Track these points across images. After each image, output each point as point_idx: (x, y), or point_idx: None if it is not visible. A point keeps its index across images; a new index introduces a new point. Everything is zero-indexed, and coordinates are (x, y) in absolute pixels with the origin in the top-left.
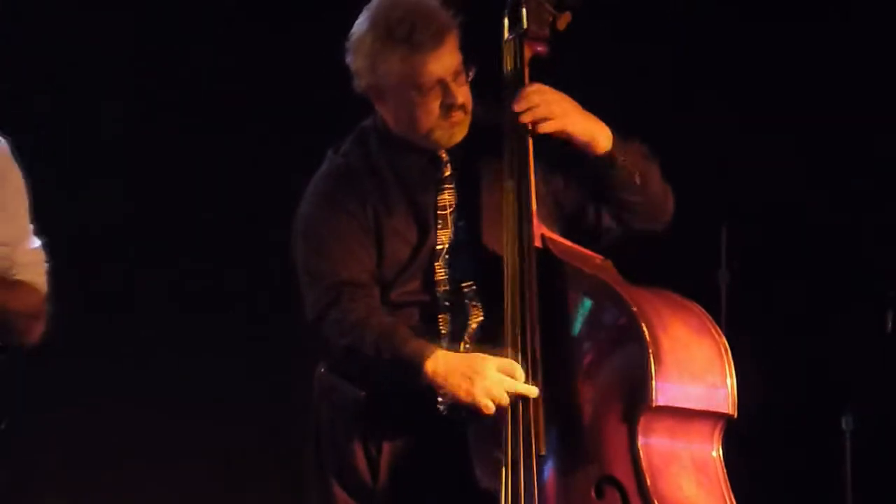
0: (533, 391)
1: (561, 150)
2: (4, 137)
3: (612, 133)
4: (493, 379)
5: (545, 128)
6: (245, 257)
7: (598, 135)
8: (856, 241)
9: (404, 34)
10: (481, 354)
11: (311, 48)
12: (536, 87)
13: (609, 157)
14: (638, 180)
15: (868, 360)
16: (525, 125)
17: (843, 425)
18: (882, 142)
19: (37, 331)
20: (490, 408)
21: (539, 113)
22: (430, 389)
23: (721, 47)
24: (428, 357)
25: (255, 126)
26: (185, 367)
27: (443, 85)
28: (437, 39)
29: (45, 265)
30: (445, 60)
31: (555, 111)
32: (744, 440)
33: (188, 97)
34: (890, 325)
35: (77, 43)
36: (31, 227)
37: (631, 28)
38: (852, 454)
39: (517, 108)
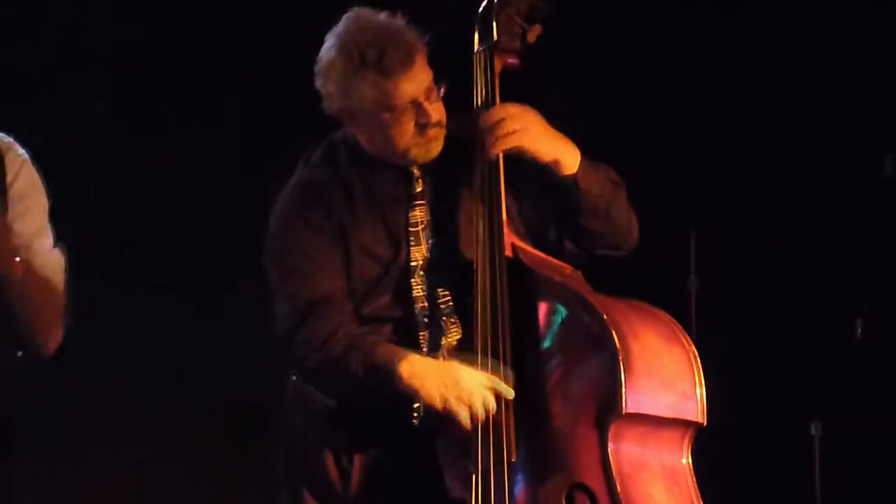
0: (510, 393)
1: (530, 168)
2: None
3: (581, 157)
4: (468, 389)
5: (507, 144)
6: (218, 259)
7: (563, 156)
8: (825, 248)
9: (374, 59)
10: (456, 364)
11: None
12: (502, 105)
13: (574, 180)
14: (603, 206)
15: (837, 366)
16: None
17: (812, 431)
18: (851, 148)
19: (56, 338)
20: (465, 419)
21: (501, 131)
22: (403, 395)
23: (691, 55)
24: (402, 360)
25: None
26: (155, 369)
27: (416, 105)
28: (408, 61)
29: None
30: (417, 80)
31: (517, 128)
32: (713, 446)
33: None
34: (858, 332)
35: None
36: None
37: (596, 35)
38: (821, 460)
39: (481, 127)
